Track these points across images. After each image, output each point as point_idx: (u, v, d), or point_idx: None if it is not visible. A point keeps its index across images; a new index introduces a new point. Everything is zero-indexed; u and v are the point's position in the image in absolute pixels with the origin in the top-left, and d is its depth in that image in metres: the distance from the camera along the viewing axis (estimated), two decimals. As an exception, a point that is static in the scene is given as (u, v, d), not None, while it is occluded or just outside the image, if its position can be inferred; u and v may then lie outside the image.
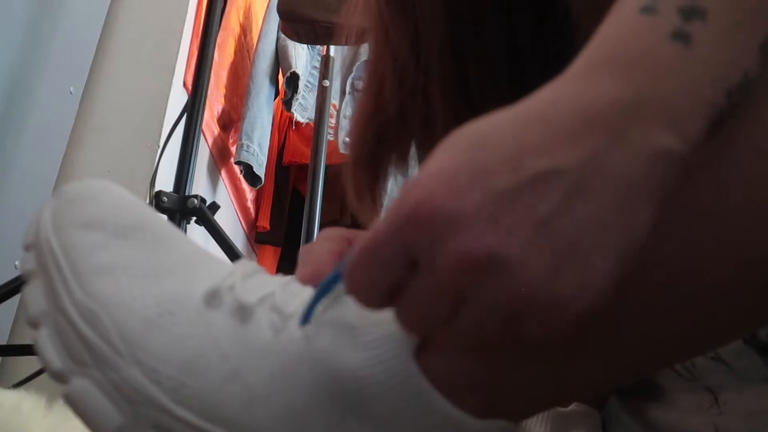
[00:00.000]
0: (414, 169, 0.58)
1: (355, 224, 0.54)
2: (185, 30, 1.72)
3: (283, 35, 2.00)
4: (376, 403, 0.31)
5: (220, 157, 2.09)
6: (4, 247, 1.25)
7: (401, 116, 0.55)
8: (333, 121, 1.99)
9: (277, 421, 0.32)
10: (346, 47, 1.60)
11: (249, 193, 2.32)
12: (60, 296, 0.34)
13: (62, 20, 1.44)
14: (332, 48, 1.86)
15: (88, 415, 0.32)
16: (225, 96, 2.08)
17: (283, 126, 2.43)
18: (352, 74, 1.94)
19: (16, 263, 1.27)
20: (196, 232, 1.39)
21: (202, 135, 1.63)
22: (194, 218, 1.32)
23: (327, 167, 1.70)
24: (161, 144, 1.51)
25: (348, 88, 1.98)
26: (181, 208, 1.31)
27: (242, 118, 2.07)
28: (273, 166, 2.35)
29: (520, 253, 0.26)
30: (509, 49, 0.56)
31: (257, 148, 2.03)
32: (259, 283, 0.35)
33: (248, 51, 2.23)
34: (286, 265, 2.32)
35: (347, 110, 1.96)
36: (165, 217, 1.28)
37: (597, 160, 0.27)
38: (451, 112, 0.54)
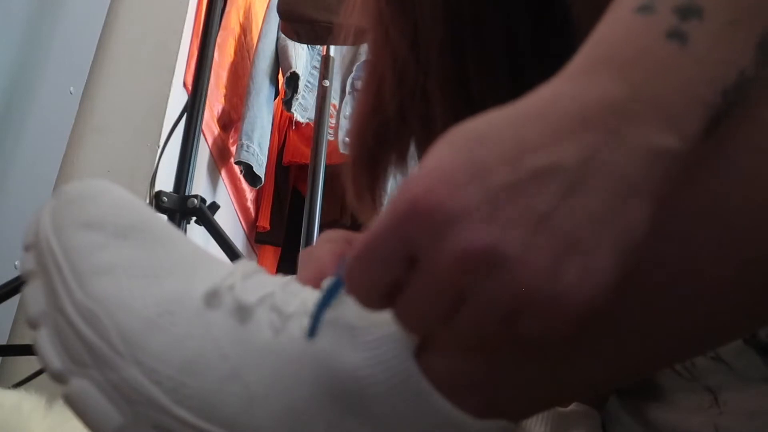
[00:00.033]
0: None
1: (355, 224, 0.54)
2: (185, 30, 1.72)
3: (283, 35, 2.00)
4: (376, 403, 0.31)
5: (220, 157, 2.09)
6: (4, 247, 1.25)
7: (401, 116, 0.55)
8: (333, 121, 1.99)
9: (277, 421, 0.32)
10: (346, 47, 1.60)
11: (249, 193, 2.32)
12: (60, 296, 0.34)
13: (62, 20, 1.44)
14: (332, 48, 1.86)
15: (88, 415, 0.32)
16: (225, 96, 2.08)
17: (283, 126, 2.43)
18: (352, 74, 1.94)
19: (16, 263, 1.27)
20: (196, 232, 1.39)
21: (202, 135, 1.63)
22: (194, 218, 1.32)
23: (327, 167, 1.70)
24: (161, 144, 1.51)
25: (348, 88, 1.98)
26: (181, 208, 1.31)
27: (242, 118, 2.07)
28: (273, 166, 2.35)
29: (519, 250, 0.26)
30: (509, 49, 0.55)
31: (257, 148, 2.03)
32: (259, 283, 0.35)
33: (248, 51, 2.23)
34: (286, 265, 2.32)
35: (347, 110, 1.96)
36: (165, 217, 1.28)
37: (595, 158, 0.27)
38: (450, 111, 0.54)
